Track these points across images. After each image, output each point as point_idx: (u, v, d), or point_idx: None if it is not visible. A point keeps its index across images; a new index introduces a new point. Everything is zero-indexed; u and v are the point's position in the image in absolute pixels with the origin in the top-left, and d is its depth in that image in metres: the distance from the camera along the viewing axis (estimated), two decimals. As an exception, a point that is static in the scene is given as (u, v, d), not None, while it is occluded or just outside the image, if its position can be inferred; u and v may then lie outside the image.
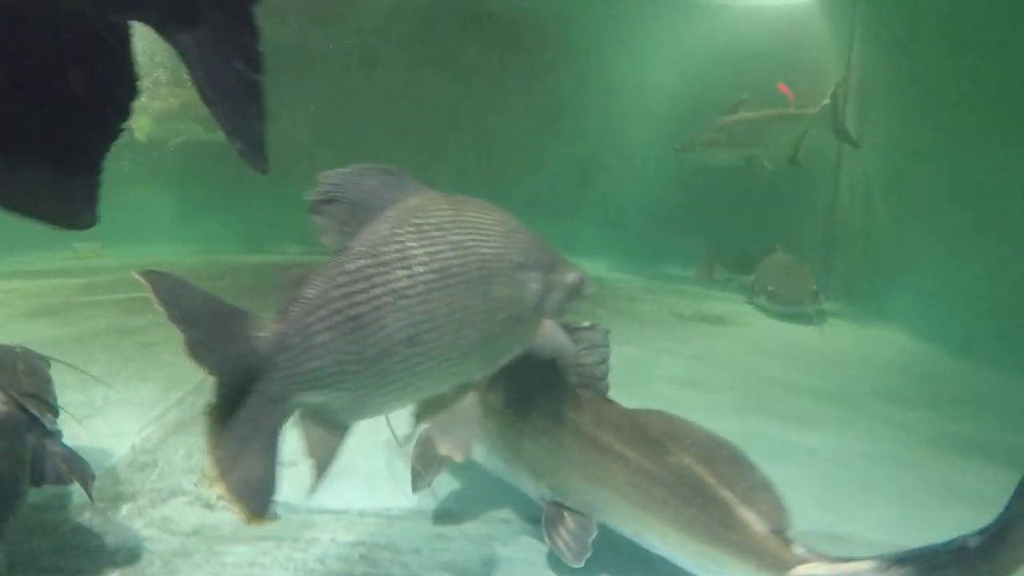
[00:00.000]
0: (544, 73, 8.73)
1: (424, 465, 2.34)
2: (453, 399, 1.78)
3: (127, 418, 3.22)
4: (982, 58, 5.25)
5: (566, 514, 2.09)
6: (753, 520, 1.73)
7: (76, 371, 2.90)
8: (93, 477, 2.20)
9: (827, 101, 7.27)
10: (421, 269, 1.58)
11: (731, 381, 4.34)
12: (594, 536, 2.04)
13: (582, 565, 2.01)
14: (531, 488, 2.25)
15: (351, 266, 1.56)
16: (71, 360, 2.82)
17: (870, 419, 3.79)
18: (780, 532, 1.72)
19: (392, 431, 2.59)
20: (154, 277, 1.46)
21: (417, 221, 1.62)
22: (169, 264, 8.19)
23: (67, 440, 2.32)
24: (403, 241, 1.59)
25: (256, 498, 1.48)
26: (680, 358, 4.79)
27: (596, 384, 2.22)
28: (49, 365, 2.84)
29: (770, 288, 6.51)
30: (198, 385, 3.70)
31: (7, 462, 2.05)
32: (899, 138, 6.53)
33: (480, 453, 2.37)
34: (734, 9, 8.57)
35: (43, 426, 2.34)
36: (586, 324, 2.25)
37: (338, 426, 1.64)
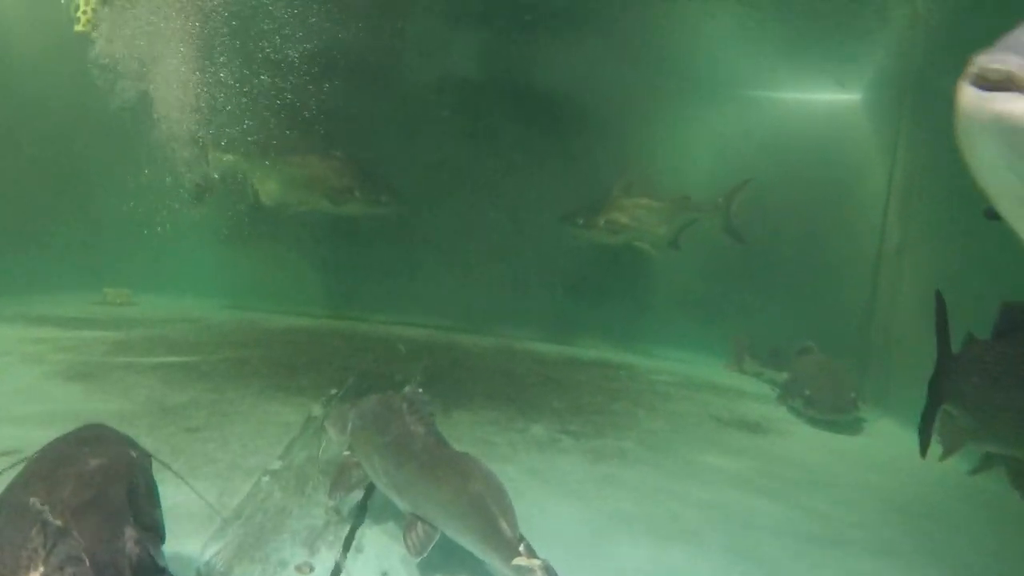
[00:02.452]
0: (583, 154, 8.83)
1: (339, 483, 3.39)
2: None
3: (187, 531, 3.11)
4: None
5: (419, 523, 2.95)
6: (506, 528, 2.65)
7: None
8: None
9: (721, 199, 7.96)
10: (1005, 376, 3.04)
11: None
12: (435, 541, 2.88)
13: (418, 559, 2.88)
14: (399, 503, 3.14)
15: (997, 349, 3.13)
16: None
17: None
18: (515, 535, 2.65)
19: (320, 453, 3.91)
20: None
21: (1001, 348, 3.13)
22: (198, 318, 8.15)
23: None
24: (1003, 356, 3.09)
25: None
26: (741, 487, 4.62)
27: (429, 427, 3.21)
28: (151, 462, 2.67)
29: (807, 392, 6.30)
30: (251, 492, 3.63)
31: None
32: (945, 243, 6.47)
33: (372, 477, 3.32)
34: (778, 102, 8.69)
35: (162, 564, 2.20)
36: (417, 388, 3.45)
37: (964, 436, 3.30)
